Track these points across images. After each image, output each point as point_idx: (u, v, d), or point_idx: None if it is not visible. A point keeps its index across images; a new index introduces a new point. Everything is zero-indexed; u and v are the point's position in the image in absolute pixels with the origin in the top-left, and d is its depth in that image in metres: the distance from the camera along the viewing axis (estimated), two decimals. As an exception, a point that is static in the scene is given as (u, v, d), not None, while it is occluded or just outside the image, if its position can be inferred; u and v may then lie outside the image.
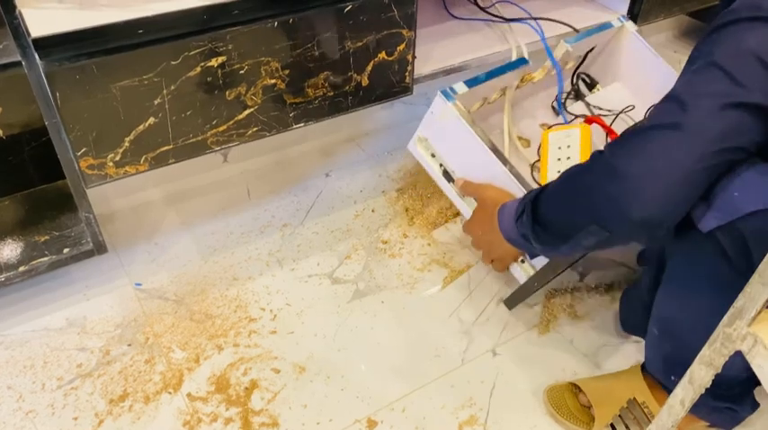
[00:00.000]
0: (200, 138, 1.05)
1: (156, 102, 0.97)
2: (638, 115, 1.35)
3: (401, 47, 1.16)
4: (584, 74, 1.43)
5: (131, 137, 0.99)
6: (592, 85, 1.43)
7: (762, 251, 0.62)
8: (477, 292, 1.29)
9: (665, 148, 0.75)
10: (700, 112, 0.74)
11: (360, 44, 1.11)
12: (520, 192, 1.07)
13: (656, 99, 0.86)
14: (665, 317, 0.95)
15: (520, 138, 1.32)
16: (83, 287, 1.27)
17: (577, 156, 1.17)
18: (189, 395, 1.09)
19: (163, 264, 1.32)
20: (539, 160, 1.24)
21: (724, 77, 0.74)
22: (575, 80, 1.41)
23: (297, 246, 1.36)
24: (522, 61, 1.27)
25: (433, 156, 1.21)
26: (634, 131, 0.80)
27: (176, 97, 0.98)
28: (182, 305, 1.23)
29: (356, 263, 1.33)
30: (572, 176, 0.87)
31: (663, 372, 1.01)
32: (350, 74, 1.15)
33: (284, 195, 1.49)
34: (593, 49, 1.39)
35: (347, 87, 1.16)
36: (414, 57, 1.20)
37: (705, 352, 0.70)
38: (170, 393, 1.09)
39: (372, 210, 1.46)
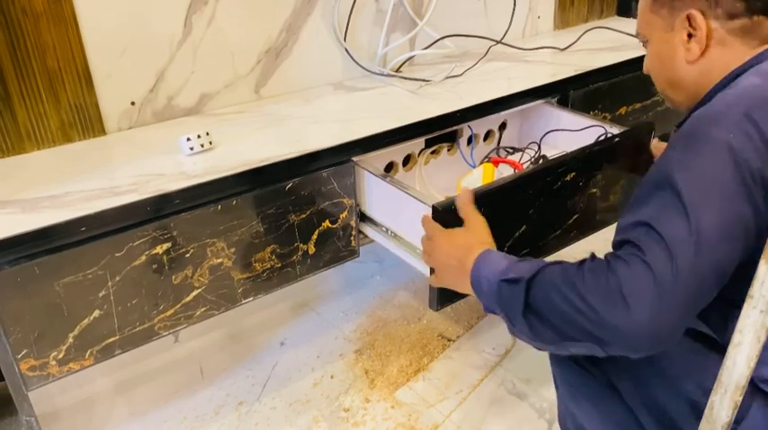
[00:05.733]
0: (147, 325, 1.03)
1: (100, 294, 0.96)
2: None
3: (343, 214, 1.20)
4: (508, 147, 1.49)
5: (75, 332, 0.96)
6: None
7: None
8: (448, 453, 1.24)
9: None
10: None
11: (303, 216, 1.15)
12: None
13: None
14: None
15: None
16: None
17: None
18: None
19: (112, 462, 1.24)
20: None
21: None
22: (498, 152, 1.47)
23: (254, 425, 1.30)
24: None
25: (377, 224, 1.23)
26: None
27: (121, 287, 0.97)
28: None
29: (319, 436, 1.28)
30: (571, 288, 0.75)
31: None
32: (296, 244, 1.17)
33: (238, 370, 1.44)
34: (505, 123, 1.48)
35: (294, 257, 1.18)
36: (357, 222, 1.24)
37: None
38: None
39: (331, 377, 1.42)
